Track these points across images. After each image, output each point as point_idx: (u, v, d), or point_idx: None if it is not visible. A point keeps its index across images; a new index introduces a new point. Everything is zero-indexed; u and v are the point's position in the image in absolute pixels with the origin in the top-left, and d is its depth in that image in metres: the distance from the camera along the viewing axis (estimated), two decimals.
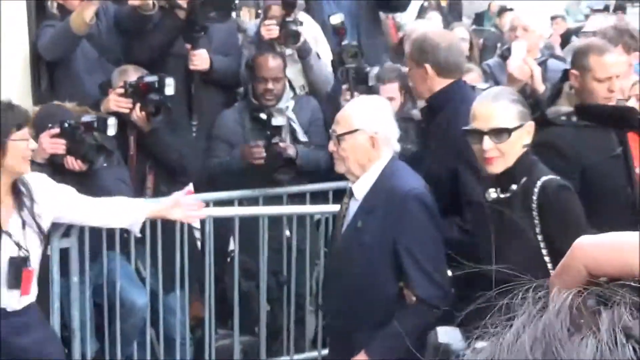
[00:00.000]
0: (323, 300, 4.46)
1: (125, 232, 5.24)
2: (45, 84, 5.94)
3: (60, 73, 5.95)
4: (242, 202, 5.72)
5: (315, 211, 5.83)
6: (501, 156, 3.59)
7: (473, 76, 5.85)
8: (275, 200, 5.70)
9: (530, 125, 3.69)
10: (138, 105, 5.50)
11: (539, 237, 3.57)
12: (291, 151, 5.72)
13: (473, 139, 3.65)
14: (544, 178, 3.60)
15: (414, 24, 6.94)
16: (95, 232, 5.13)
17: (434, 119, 4.55)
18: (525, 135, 3.65)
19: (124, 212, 4.57)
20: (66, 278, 5.04)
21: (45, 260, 4.68)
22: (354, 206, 4.16)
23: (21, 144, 4.01)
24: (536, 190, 3.57)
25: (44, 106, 5.52)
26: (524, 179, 3.60)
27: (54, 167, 5.11)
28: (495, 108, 3.62)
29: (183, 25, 5.93)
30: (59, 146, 5.11)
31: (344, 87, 5.91)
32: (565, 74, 4.80)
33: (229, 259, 5.83)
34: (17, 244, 4.14)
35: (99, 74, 5.96)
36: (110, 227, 4.78)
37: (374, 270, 4.05)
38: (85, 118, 5.20)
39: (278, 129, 5.76)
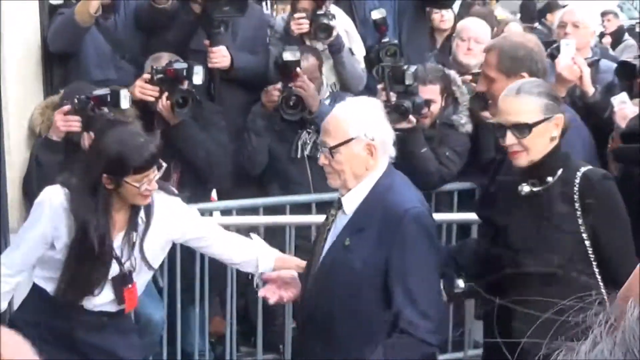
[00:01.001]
0: (298, 326, 4.04)
1: None
2: (57, 82, 5.76)
3: (70, 67, 5.77)
4: (266, 210, 5.52)
5: None
6: (524, 150, 3.63)
7: None
8: (303, 208, 5.46)
9: (558, 119, 3.67)
10: (165, 95, 5.31)
11: (582, 229, 3.57)
12: (313, 103, 5.56)
13: (498, 133, 3.68)
14: (584, 168, 3.64)
15: (469, 23, 6.64)
16: None
17: None
18: (552, 129, 3.66)
19: (253, 254, 4.22)
20: None
21: None
22: (341, 220, 3.80)
23: (134, 186, 3.95)
24: (577, 180, 3.60)
25: (73, 84, 5.40)
26: (560, 171, 3.63)
27: (71, 147, 5.03)
28: (516, 102, 3.64)
29: (198, 20, 5.72)
30: (72, 123, 5.03)
31: (379, 86, 5.69)
32: (620, 73, 4.51)
33: None
34: (119, 261, 4.06)
35: (111, 70, 5.77)
36: (232, 265, 4.50)
37: (360, 295, 3.73)
38: (98, 92, 5.06)
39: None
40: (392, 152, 3.79)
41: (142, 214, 4.07)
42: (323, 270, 3.80)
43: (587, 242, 3.59)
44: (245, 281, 5.47)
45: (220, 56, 5.73)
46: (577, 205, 3.57)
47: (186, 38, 5.77)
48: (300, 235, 5.38)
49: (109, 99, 5.01)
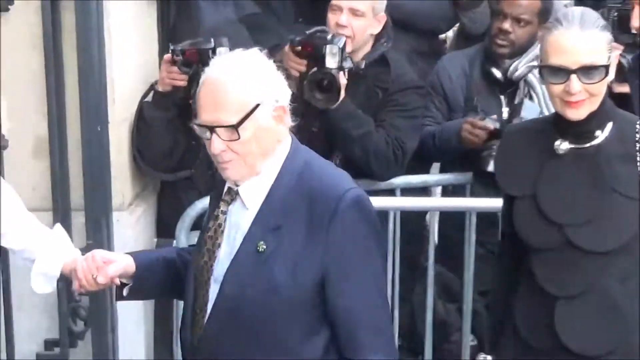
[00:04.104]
0: None
1: None
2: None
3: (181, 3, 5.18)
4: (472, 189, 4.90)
5: None
6: (589, 98, 3.24)
7: None
8: (489, 188, 4.65)
9: (615, 57, 3.33)
10: (314, 70, 4.61)
11: None
12: None
13: (554, 78, 3.22)
14: None
15: None
16: None
17: None
18: (612, 70, 3.29)
19: (36, 247, 3.39)
20: None
21: None
22: (241, 217, 3.04)
23: None
24: (639, 135, 3.28)
25: (217, 24, 4.90)
26: (609, 124, 3.28)
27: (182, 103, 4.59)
28: (584, 39, 3.21)
29: None
30: (175, 75, 4.52)
31: None
32: None
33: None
34: None
35: (229, 8, 5.12)
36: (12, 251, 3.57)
37: (287, 316, 3.00)
38: (201, 44, 4.46)
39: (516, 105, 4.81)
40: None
41: None
42: (228, 291, 3.00)
43: None
44: (410, 284, 5.08)
45: None
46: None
47: None
48: None
49: (210, 55, 4.30)
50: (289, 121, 3.00)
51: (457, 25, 5.65)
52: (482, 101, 4.94)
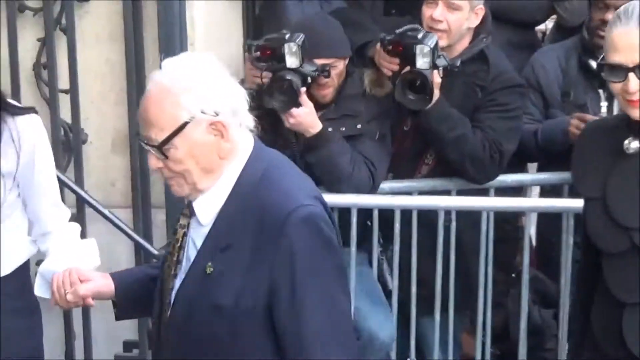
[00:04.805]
0: None
1: (369, 219, 4.44)
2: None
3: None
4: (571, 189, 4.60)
5: None
6: None
7: None
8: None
9: None
10: (406, 70, 4.38)
11: None
12: None
13: (613, 75, 3.12)
14: None
15: None
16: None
17: None
18: None
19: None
20: None
21: None
22: (197, 234, 2.86)
23: None
24: None
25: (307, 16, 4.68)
26: None
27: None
28: None
29: None
30: (256, 73, 4.29)
31: None
32: None
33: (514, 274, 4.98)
34: None
35: (313, 5, 4.91)
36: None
37: (235, 344, 2.79)
38: (274, 40, 4.20)
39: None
40: (250, 121, 2.84)
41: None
42: (178, 313, 2.86)
43: None
44: (505, 289, 4.93)
45: None
46: None
47: None
48: None
49: (283, 51, 4.15)
50: (237, 131, 2.78)
51: (555, 16, 5.47)
52: (580, 95, 4.73)
